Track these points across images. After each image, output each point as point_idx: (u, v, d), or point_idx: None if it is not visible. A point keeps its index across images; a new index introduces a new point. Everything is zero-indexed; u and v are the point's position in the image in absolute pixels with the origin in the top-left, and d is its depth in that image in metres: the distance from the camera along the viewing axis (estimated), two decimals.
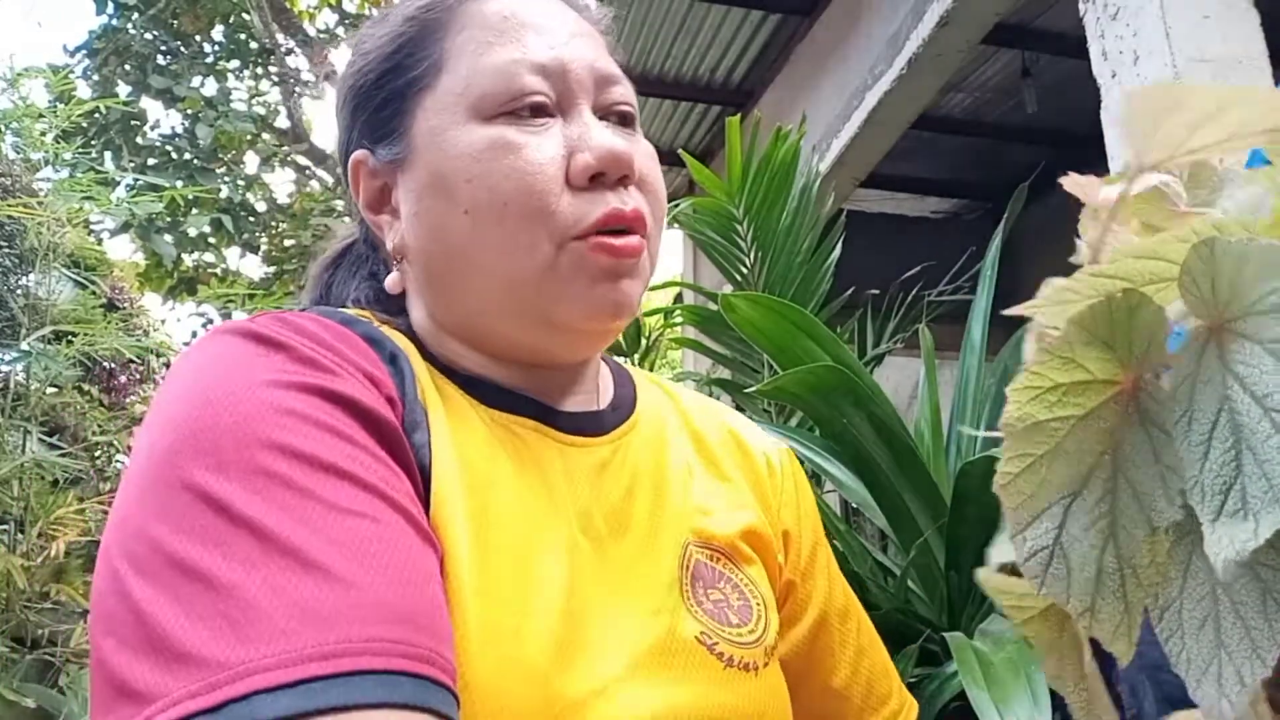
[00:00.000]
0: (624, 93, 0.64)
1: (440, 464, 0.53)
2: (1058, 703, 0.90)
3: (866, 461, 1.46)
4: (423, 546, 0.46)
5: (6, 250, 3.07)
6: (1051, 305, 0.28)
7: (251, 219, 8.65)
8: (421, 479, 0.52)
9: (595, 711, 0.50)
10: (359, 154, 0.65)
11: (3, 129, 3.23)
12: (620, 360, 0.81)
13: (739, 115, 2.76)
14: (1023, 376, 0.27)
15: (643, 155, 0.63)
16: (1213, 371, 0.25)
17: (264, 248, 9.03)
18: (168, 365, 3.92)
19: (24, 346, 2.92)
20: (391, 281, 0.65)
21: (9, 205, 2.94)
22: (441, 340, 0.63)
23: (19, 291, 3.12)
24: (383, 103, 0.64)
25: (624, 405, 0.69)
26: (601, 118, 0.62)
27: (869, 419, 1.41)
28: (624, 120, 0.64)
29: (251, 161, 9.22)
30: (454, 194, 0.59)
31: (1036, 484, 0.27)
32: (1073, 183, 0.33)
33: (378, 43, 0.65)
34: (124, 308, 4.00)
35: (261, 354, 0.49)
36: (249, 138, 8.76)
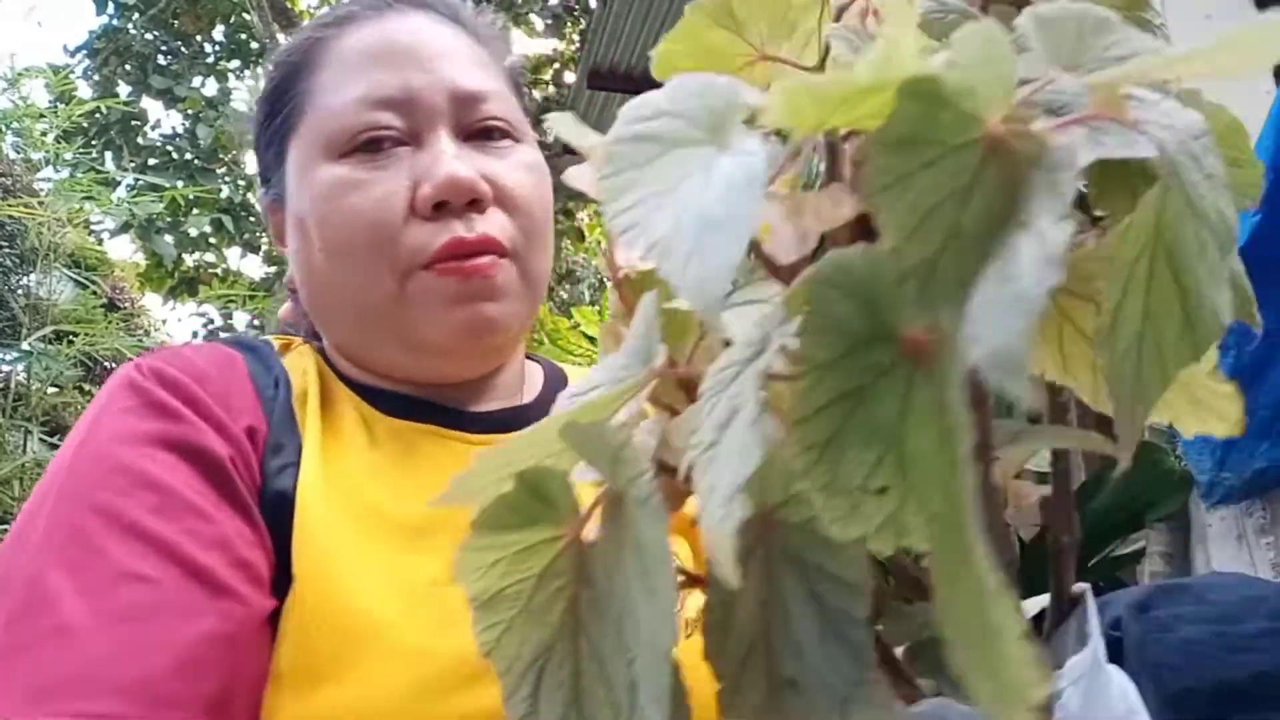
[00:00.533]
0: (490, 108, 0.63)
1: (310, 481, 0.55)
2: None
3: None
4: (204, 605, 0.49)
5: (7, 250, 3.07)
6: (457, 501, 0.27)
7: (252, 219, 8.66)
8: (281, 499, 0.55)
9: (482, 689, 0.51)
10: (261, 191, 0.69)
11: (3, 129, 3.24)
12: None
13: None
14: (463, 554, 0.26)
15: (507, 171, 0.62)
16: (618, 543, 0.24)
17: (264, 248, 9.03)
18: None
19: (25, 346, 2.93)
20: (283, 311, 0.69)
21: (10, 205, 2.94)
22: (339, 360, 0.67)
23: (20, 291, 3.12)
24: (266, 144, 0.68)
25: (551, 399, 0.71)
26: (468, 137, 0.63)
27: None
28: (489, 135, 0.63)
29: (252, 161, 9.23)
30: (311, 234, 0.62)
31: (517, 647, 0.26)
32: (574, 175, 0.32)
33: (262, 85, 0.69)
34: (125, 308, 4.00)
35: (122, 401, 0.55)
36: (249, 138, 8.77)
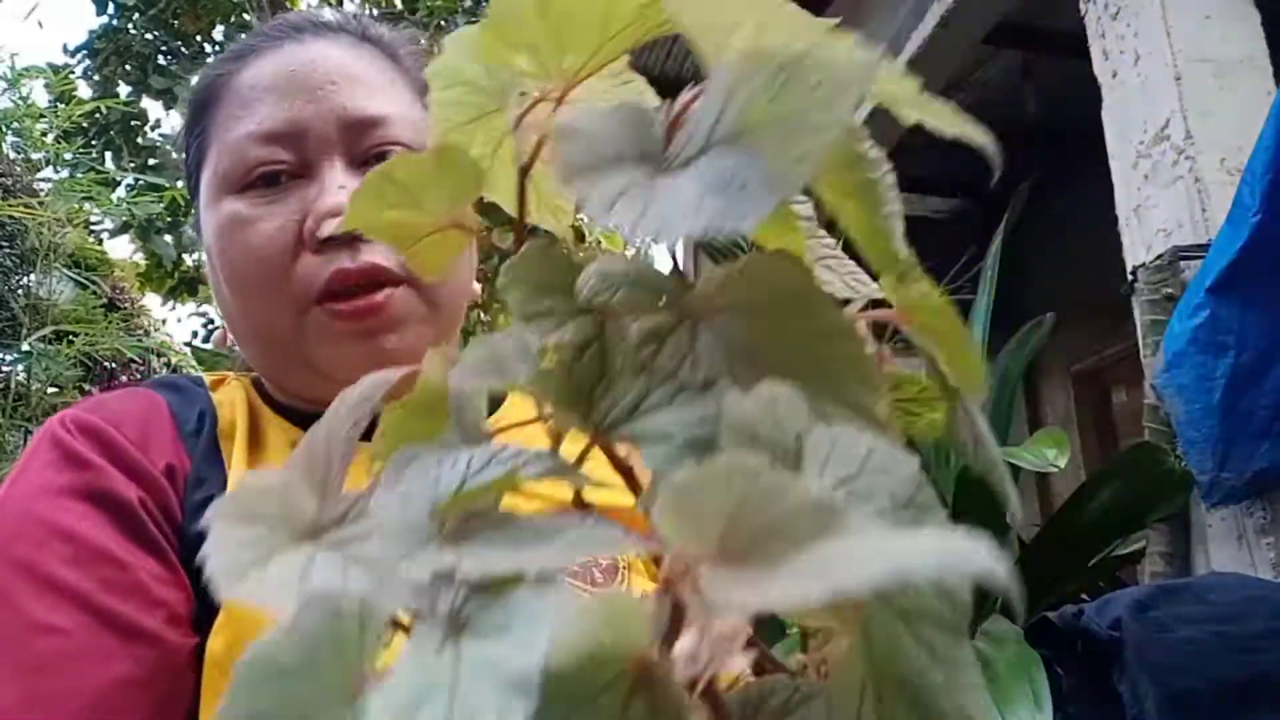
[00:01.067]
0: (385, 133, 0.63)
1: None
2: (1058, 703, 0.91)
3: None
4: (116, 650, 0.50)
5: (7, 250, 3.07)
6: None
7: None
8: (205, 532, 0.54)
9: None
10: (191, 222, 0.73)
11: (3, 129, 3.23)
12: None
13: None
14: None
15: None
16: None
17: None
18: (168, 365, 3.92)
19: (25, 347, 2.93)
20: (215, 338, 0.71)
21: (10, 205, 2.94)
22: (269, 386, 0.67)
23: (20, 291, 3.12)
24: (187, 177, 0.69)
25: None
26: (363, 163, 0.62)
27: None
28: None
29: None
30: (217, 269, 0.64)
31: None
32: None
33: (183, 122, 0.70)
34: (125, 308, 4.00)
35: (43, 456, 0.56)
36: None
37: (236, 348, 0.74)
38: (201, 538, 0.53)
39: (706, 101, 0.23)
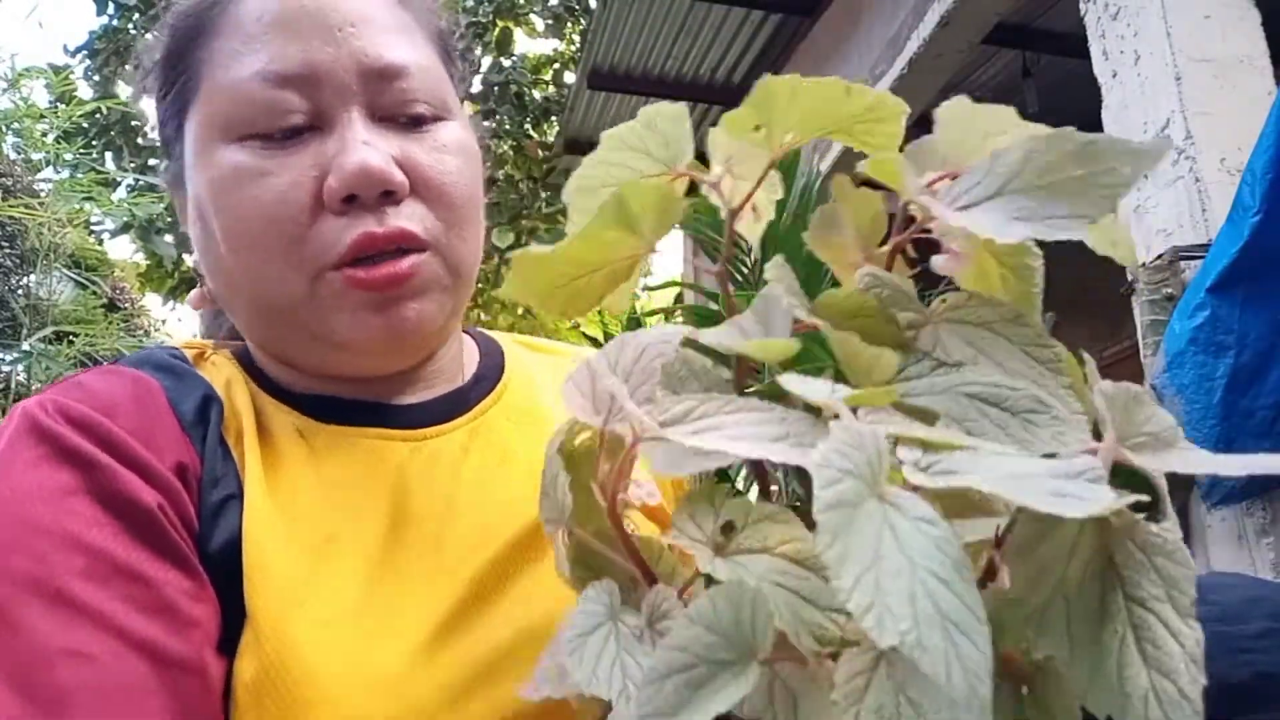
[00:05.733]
0: (409, 87, 0.57)
1: (256, 517, 0.51)
2: None
3: None
4: (151, 681, 0.44)
5: (8, 250, 3.07)
6: None
7: None
8: (227, 537, 0.50)
9: (467, 709, 0.49)
10: (162, 165, 0.64)
11: (4, 129, 3.23)
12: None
13: None
14: None
15: (427, 155, 0.57)
16: None
17: None
18: None
19: (25, 347, 2.93)
20: (192, 298, 0.63)
21: (10, 206, 2.94)
22: (264, 361, 0.61)
23: (20, 292, 3.12)
24: (163, 118, 0.62)
25: (489, 375, 0.67)
26: (384, 118, 0.57)
27: None
28: (414, 120, 0.57)
29: None
30: (209, 222, 0.56)
31: None
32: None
33: (153, 54, 0.62)
34: (125, 308, 4.00)
35: (29, 450, 0.48)
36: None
37: (218, 316, 0.67)
38: (226, 549, 0.50)
39: (978, 170, 0.35)
